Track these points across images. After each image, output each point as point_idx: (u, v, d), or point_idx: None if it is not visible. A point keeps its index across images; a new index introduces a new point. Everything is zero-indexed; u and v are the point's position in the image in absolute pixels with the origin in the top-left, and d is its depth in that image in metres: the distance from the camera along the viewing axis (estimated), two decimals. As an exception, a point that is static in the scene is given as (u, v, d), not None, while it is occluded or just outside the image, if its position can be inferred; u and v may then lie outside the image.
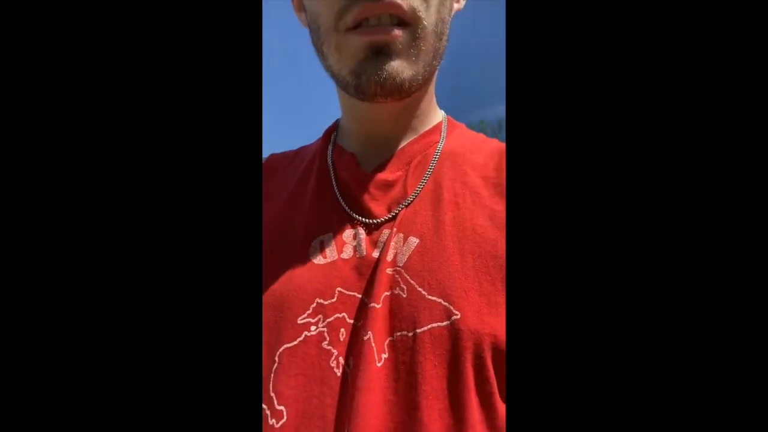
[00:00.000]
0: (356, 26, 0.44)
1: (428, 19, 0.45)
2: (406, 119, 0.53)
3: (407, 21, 0.44)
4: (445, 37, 0.49)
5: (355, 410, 0.40)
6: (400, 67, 0.44)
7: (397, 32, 0.44)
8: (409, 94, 0.48)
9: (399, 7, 0.43)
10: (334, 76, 0.49)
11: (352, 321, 0.43)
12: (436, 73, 0.52)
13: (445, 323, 0.41)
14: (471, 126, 0.59)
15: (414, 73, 0.46)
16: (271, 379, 0.43)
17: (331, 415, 0.41)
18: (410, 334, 0.41)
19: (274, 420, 0.42)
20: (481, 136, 0.56)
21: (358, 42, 0.44)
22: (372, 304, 0.43)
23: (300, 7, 0.53)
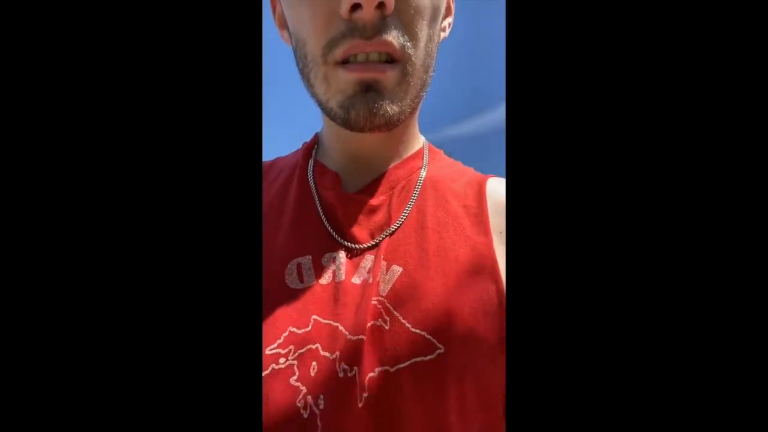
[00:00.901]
0: (344, 61, 0.44)
1: (417, 55, 0.45)
2: (392, 144, 0.53)
3: (397, 58, 0.44)
4: (431, 69, 0.49)
5: None
6: (389, 104, 0.44)
7: (388, 70, 0.43)
8: (396, 126, 0.48)
9: (390, 45, 0.42)
10: (320, 105, 0.48)
11: (326, 354, 0.41)
12: (421, 103, 0.52)
13: (428, 357, 0.39)
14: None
15: (401, 109, 0.45)
16: None
17: None
18: (392, 370, 0.39)
19: None
20: (458, 164, 0.57)
21: (347, 78, 0.44)
22: (358, 337, 0.40)
23: (282, 25, 0.51)
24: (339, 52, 0.43)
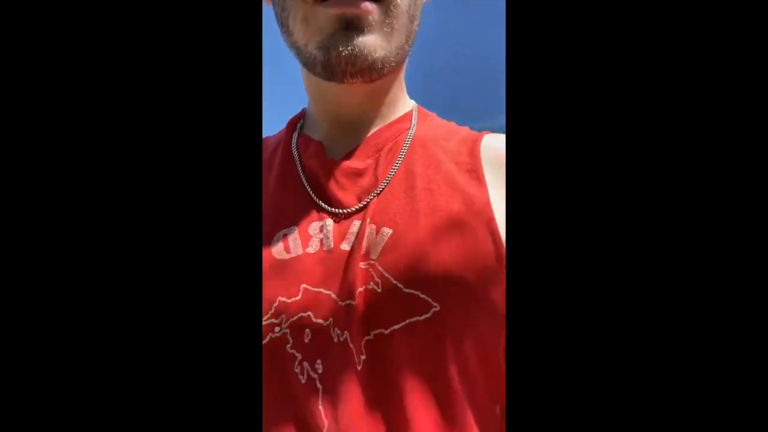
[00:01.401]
0: None
1: None
2: (376, 105, 0.50)
3: None
4: (416, 21, 0.46)
5: (331, 422, 0.37)
6: (372, 44, 0.42)
7: (370, 6, 0.41)
8: (380, 76, 0.45)
9: None
10: (299, 52, 0.45)
11: (319, 321, 0.40)
12: (406, 60, 0.50)
13: (424, 317, 0.38)
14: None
15: (386, 52, 0.43)
16: None
17: (298, 425, 0.38)
18: (387, 332, 0.38)
19: None
20: (452, 124, 0.54)
21: (327, 14, 0.41)
22: (348, 302, 0.40)
23: None
24: None
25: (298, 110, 0.56)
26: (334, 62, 0.42)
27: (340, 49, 0.41)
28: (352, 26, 0.41)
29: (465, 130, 0.52)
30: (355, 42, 0.41)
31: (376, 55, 0.42)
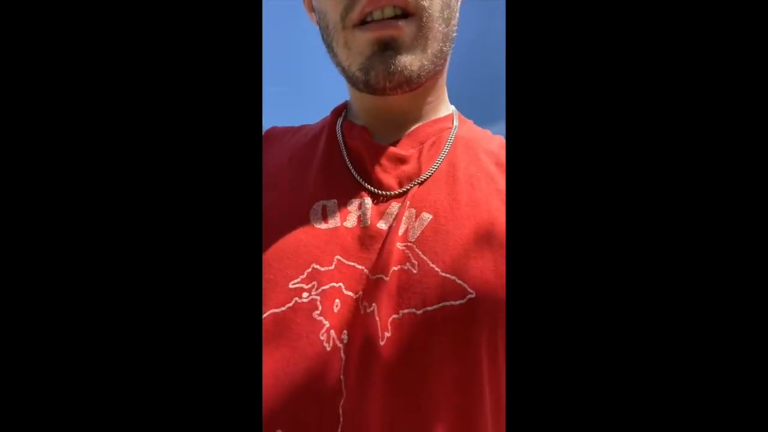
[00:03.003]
0: (362, 22, 0.44)
1: (432, 6, 0.45)
2: (418, 106, 0.52)
3: (411, 11, 0.44)
4: (453, 22, 0.48)
5: (352, 390, 0.37)
6: (408, 60, 0.44)
7: (402, 25, 0.43)
8: (419, 85, 0.47)
9: None
10: (343, 72, 0.48)
11: (349, 293, 0.40)
12: (446, 69, 0.52)
13: (459, 302, 0.38)
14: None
15: (422, 64, 0.45)
16: None
17: (317, 392, 0.37)
18: (419, 312, 0.39)
19: None
20: (488, 131, 0.56)
21: (364, 38, 0.44)
22: (379, 276, 0.40)
23: (310, 7, 0.53)
24: (355, 13, 0.44)
25: (300, 108, 0.58)
26: (374, 81, 0.45)
27: (379, 68, 0.44)
28: (389, 47, 0.44)
29: (502, 138, 0.54)
30: (392, 61, 0.44)
31: (412, 68, 0.45)
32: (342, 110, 0.56)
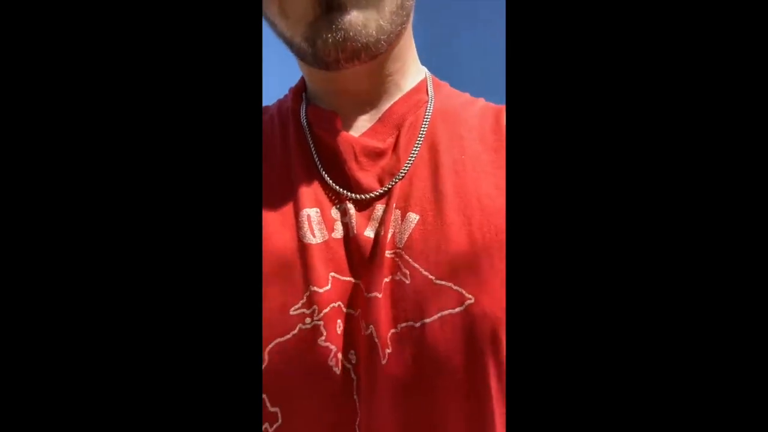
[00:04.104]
0: None
1: None
2: (385, 76, 0.45)
3: None
4: None
5: (363, 414, 0.37)
6: (359, 20, 0.37)
7: None
8: (379, 52, 0.40)
9: None
10: (287, 44, 0.41)
11: (349, 311, 0.39)
12: (410, 25, 0.45)
13: (457, 309, 0.37)
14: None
15: (378, 24, 0.38)
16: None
17: (332, 418, 0.37)
18: (417, 325, 0.37)
19: (267, 423, 0.38)
20: (466, 95, 0.51)
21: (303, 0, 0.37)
22: (373, 294, 0.38)
23: None
24: None
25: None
26: (323, 53, 0.38)
27: (325, 36, 0.37)
28: (333, 5, 0.36)
29: (481, 102, 0.49)
30: (340, 24, 0.36)
31: (368, 31, 0.37)
32: (302, 89, 0.49)
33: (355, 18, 0.37)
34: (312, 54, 0.38)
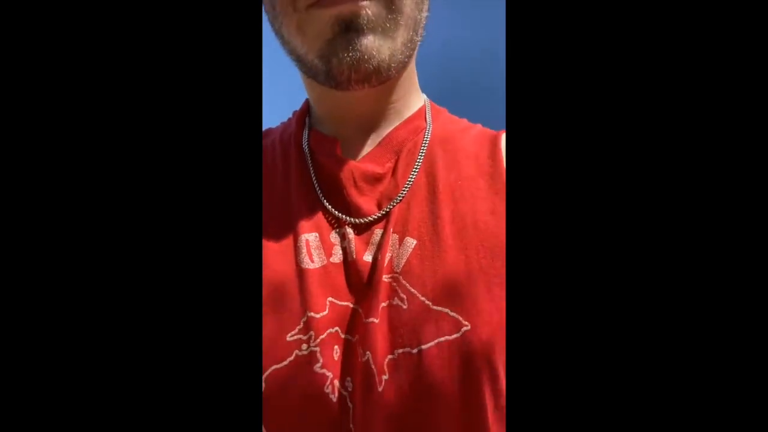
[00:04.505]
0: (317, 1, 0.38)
1: None
2: (388, 102, 0.47)
3: None
4: (425, 6, 0.43)
5: None
6: (374, 45, 0.38)
7: (366, 3, 0.37)
8: (388, 78, 0.42)
9: None
10: (299, 62, 0.42)
11: (347, 336, 0.39)
12: (417, 50, 0.46)
13: (454, 336, 0.37)
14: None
15: (391, 51, 0.39)
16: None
17: None
18: (414, 351, 0.37)
19: None
20: (464, 121, 0.52)
21: (322, 18, 0.38)
22: (370, 320, 0.38)
23: None
24: None
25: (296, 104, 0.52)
26: (336, 71, 0.39)
27: (341, 55, 0.38)
28: (351, 27, 0.38)
29: (478, 128, 0.50)
30: (356, 46, 0.38)
31: (380, 56, 0.39)
32: (305, 113, 0.51)
33: (371, 42, 0.38)
34: (325, 72, 0.40)
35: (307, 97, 0.51)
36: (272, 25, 0.43)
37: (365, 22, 0.38)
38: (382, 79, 0.41)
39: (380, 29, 0.38)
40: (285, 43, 0.42)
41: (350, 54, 0.38)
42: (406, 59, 0.43)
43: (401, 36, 0.40)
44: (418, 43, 0.44)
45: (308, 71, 0.42)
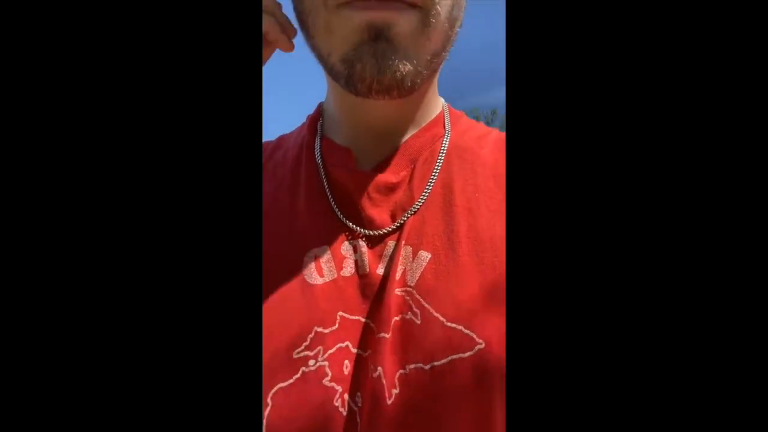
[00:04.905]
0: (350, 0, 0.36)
1: (443, 2, 0.37)
2: (409, 112, 0.45)
3: (417, 2, 0.36)
4: (458, 23, 0.41)
5: None
6: (402, 58, 0.36)
7: (404, 13, 0.36)
8: (410, 92, 0.40)
9: None
10: (322, 61, 0.40)
11: (358, 351, 0.38)
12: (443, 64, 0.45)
13: (468, 354, 0.36)
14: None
15: (418, 67, 0.37)
16: (264, 425, 0.36)
17: None
18: (427, 368, 0.36)
19: None
20: (482, 125, 0.50)
21: (353, 20, 0.36)
22: (381, 335, 0.37)
23: None
24: None
25: (295, 111, 0.53)
26: (358, 78, 0.37)
27: (365, 63, 0.36)
28: (382, 36, 0.36)
29: (495, 133, 0.49)
30: (383, 56, 0.36)
31: (406, 71, 0.37)
32: (317, 119, 0.49)
33: (398, 55, 0.36)
34: (347, 77, 0.38)
35: (320, 101, 0.50)
36: (300, 22, 0.41)
37: (396, 33, 0.36)
38: (404, 93, 0.39)
39: (410, 43, 0.37)
40: (309, 37, 0.41)
41: (375, 63, 0.36)
42: (432, 73, 0.42)
43: (430, 52, 0.38)
44: (445, 57, 0.43)
45: (330, 72, 0.40)
